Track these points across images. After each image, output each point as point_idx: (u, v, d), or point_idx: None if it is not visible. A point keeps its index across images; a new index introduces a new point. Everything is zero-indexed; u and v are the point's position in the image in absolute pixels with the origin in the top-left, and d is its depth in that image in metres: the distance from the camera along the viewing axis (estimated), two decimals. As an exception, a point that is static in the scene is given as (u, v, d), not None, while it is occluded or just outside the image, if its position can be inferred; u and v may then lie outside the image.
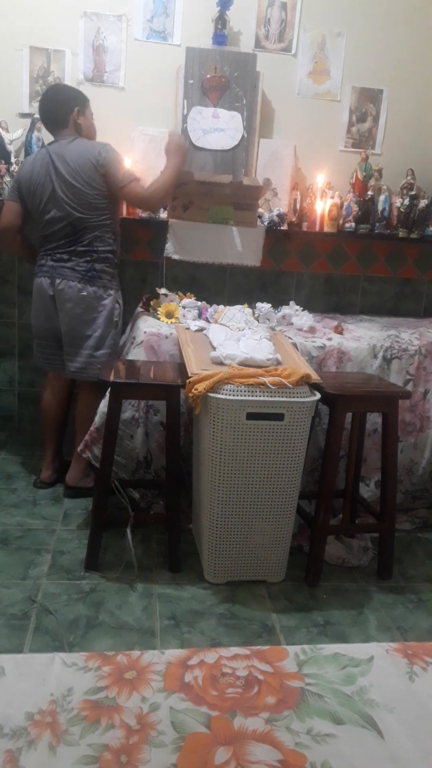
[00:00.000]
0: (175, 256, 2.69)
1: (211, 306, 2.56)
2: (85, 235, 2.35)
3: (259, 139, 2.84)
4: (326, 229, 2.86)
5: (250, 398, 1.82)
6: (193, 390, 1.84)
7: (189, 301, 2.63)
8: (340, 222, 2.86)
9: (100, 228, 2.38)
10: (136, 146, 2.82)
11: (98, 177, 2.31)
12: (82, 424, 2.44)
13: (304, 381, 1.88)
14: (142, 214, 2.73)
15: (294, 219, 2.87)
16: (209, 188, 2.64)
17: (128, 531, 2.05)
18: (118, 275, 2.49)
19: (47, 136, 2.73)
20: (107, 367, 2.06)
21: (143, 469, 2.34)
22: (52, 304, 2.40)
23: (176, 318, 2.47)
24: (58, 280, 2.36)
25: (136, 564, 2.04)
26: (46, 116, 2.43)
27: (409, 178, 2.90)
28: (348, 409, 2.02)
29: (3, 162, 2.66)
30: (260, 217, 2.78)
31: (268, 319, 2.55)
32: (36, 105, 2.77)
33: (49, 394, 2.61)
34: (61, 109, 2.39)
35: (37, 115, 2.70)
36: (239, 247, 2.71)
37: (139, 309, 2.66)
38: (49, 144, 2.44)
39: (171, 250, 2.68)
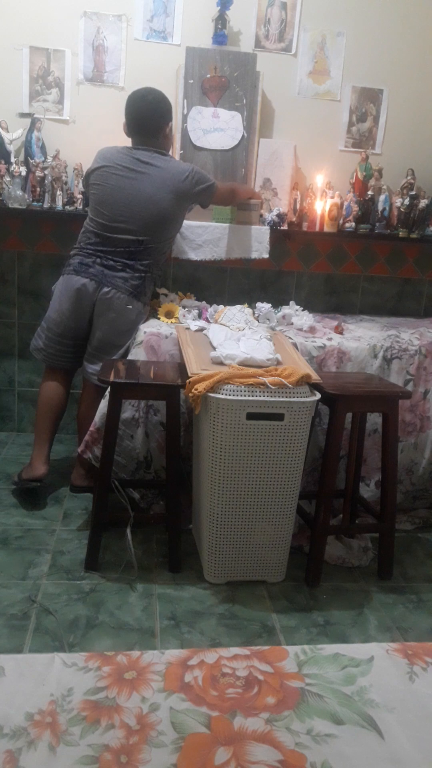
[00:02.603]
0: (184, 257, 2.69)
1: (211, 306, 2.56)
2: (147, 255, 2.34)
3: (259, 139, 2.84)
4: (326, 229, 2.86)
5: (250, 398, 1.82)
6: (193, 390, 1.84)
7: (189, 301, 2.63)
8: (340, 222, 2.87)
9: (163, 253, 2.42)
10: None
11: (184, 200, 2.34)
12: (84, 424, 2.43)
13: (304, 381, 1.88)
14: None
15: (294, 219, 2.87)
16: None
17: (128, 531, 2.05)
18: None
19: (47, 136, 2.74)
20: (107, 367, 2.06)
21: (143, 469, 2.34)
22: (89, 308, 2.33)
23: (176, 318, 2.47)
24: (106, 288, 2.29)
25: (136, 564, 2.04)
26: (139, 122, 2.34)
27: (409, 177, 2.90)
28: (348, 409, 2.02)
29: (3, 162, 2.66)
30: (260, 215, 2.79)
31: (268, 319, 2.55)
32: (36, 105, 2.78)
33: (51, 387, 2.48)
34: (159, 119, 2.35)
35: (37, 115, 2.71)
36: (246, 240, 2.72)
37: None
38: (136, 148, 2.36)
39: (179, 251, 2.68)
